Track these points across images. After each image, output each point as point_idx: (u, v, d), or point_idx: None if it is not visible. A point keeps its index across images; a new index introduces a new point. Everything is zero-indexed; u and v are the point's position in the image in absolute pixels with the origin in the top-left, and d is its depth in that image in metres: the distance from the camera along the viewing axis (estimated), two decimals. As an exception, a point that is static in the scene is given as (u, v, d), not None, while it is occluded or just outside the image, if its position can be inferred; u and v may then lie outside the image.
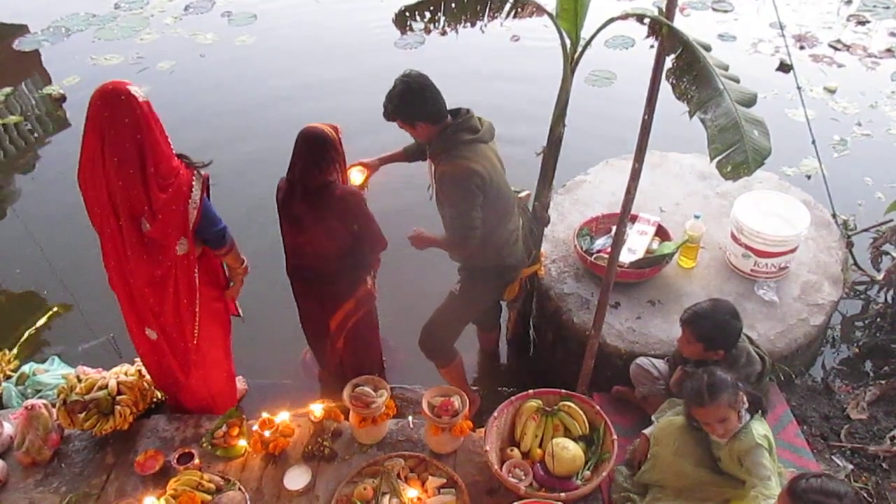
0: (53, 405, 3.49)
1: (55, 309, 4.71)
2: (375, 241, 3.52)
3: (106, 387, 3.50)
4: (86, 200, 3.02)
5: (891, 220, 4.45)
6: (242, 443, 3.38)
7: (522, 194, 3.64)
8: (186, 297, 3.25)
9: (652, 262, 3.89)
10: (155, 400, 3.74)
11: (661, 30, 2.78)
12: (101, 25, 7.62)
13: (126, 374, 3.67)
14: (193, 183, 3.04)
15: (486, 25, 3.19)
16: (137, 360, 3.67)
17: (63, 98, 6.65)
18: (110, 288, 3.24)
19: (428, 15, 3.12)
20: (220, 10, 7.79)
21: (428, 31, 3.20)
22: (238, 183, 5.29)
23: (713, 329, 3.08)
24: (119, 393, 3.52)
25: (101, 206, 2.97)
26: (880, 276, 4.47)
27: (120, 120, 2.81)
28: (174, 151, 3.03)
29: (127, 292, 3.20)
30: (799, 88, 4.49)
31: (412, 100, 3.16)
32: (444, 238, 3.42)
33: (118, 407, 3.46)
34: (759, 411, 2.92)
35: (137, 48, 7.25)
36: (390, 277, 4.08)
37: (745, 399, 2.84)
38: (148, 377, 3.65)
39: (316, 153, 3.28)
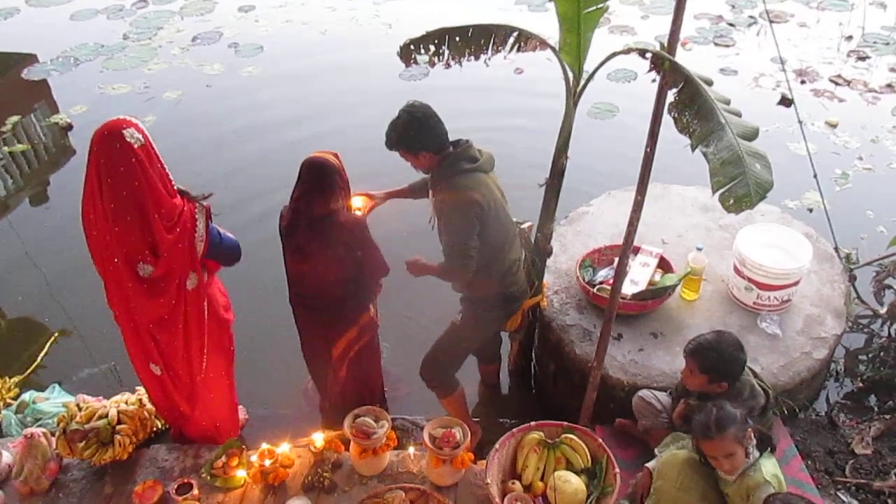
0: (53, 434, 3.47)
1: (56, 335, 4.71)
2: (377, 268, 3.53)
3: (106, 416, 3.49)
4: (88, 239, 3.03)
5: (894, 254, 4.46)
6: (242, 473, 3.35)
7: (525, 225, 3.65)
8: (196, 331, 3.25)
9: (654, 294, 3.89)
10: (155, 429, 3.72)
11: (663, 64, 2.81)
12: (110, 55, 7.71)
13: (127, 402, 3.66)
14: (197, 216, 3.06)
15: (489, 59, 3.23)
16: (139, 388, 3.66)
17: (70, 127, 6.72)
18: (115, 322, 3.25)
19: (432, 48, 3.17)
20: (227, 42, 7.88)
21: (432, 63, 3.24)
22: (243, 211, 5.32)
23: (717, 361, 3.07)
24: (119, 422, 3.51)
25: (103, 247, 2.98)
26: (884, 310, 4.46)
27: (116, 168, 2.82)
28: (175, 186, 3.04)
29: (132, 329, 3.19)
30: (800, 122, 4.53)
31: (416, 130, 3.19)
32: (441, 266, 3.43)
33: (118, 436, 3.45)
34: (769, 448, 2.89)
35: (145, 78, 7.34)
36: (392, 306, 4.08)
37: (753, 435, 2.81)
38: (149, 406, 3.63)
39: (321, 182, 3.30)
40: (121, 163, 2.81)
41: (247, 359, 3.83)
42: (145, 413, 3.63)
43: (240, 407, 3.93)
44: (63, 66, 7.59)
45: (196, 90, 7.15)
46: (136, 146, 2.83)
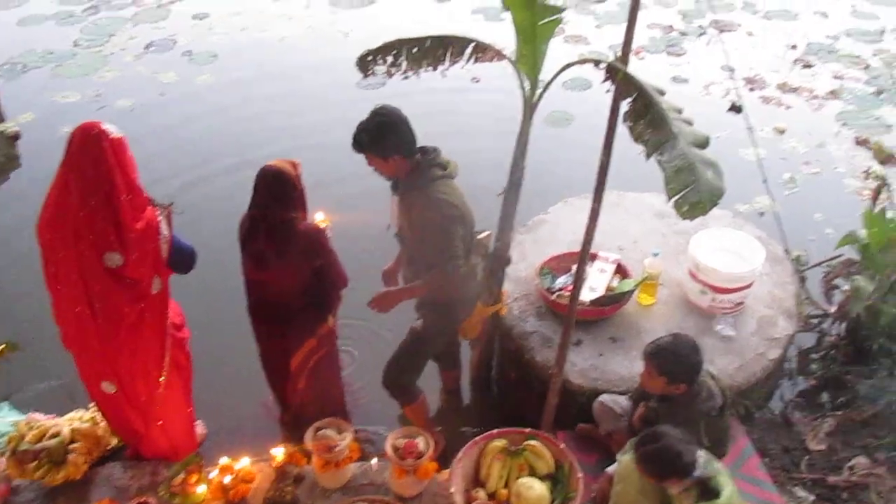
0: (2, 454, 3.37)
1: (2, 348, 4.55)
2: (337, 278, 3.52)
3: (58, 434, 3.41)
4: (45, 250, 2.97)
5: (841, 255, 4.60)
6: (202, 490, 3.30)
7: (483, 235, 3.67)
8: (157, 338, 3.20)
9: (612, 300, 3.94)
10: (110, 447, 3.64)
11: (617, 75, 2.86)
12: (59, 63, 7.53)
13: (80, 420, 3.57)
14: (160, 219, 3.06)
15: (447, 69, 3.25)
16: (92, 405, 3.57)
17: (17, 136, 6.52)
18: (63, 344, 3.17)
19: (390, 59, 3.18)
20: (181, 49, 7.76)
21: (390, 74, 3.25)
22: (199, 221, 5.22)
23: (675, 363, 3.12)
24: (72, 441, 3.42)
25: (63, 246, 2.92)
26: (833, 310, 4.59)
27: (86, 152, 2.85)
28: None
29: (84, 344, 3.12)
30: (750, 129, 4.65)
31: (388, 133, 3.19)
32: (422, 282, 3.43)
33: (71, 455, 3.36)
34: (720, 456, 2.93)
35: (96, 86, 7.18)
36: (353, 315, 4.07)
37: (694, 486, 2.80)
38: (103, 423, 3.56)
39: (276, 190, 3.29)
40: (92, 147, 2.86)
41: (204, 372, 3.76)
42: (99, 430, 3.55)
43: (198, 422, 3.87)
44: (10, 73, 7.38)
45: (149, 98, 7.02)
46: (110, 135, 2.90)
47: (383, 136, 3.20)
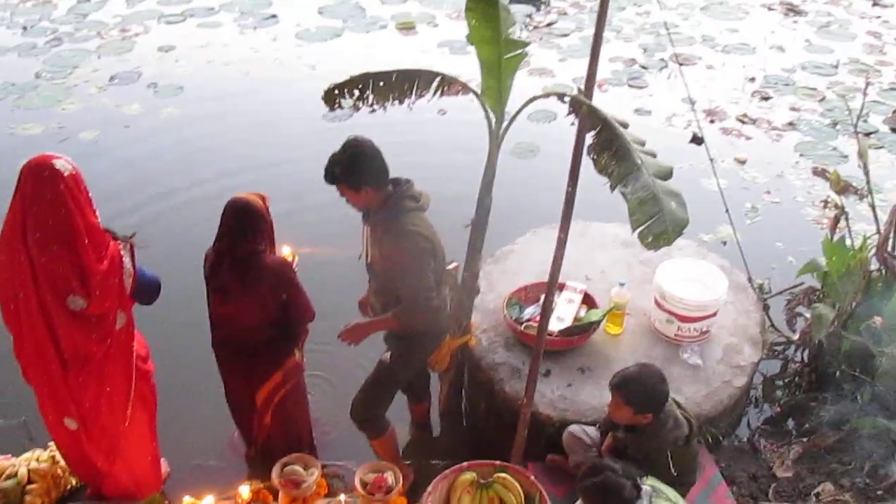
0: (-44, 497, 3.27)
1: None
2: (303, 312, 3.49)
3: (15, 475, 3.31)
4: (2, 289, 2.90)
5: (802, 283, 4.67)
6: (165, 530, 3.22)
7: (450, 266, 3.68)
8: (123, 374, 3.13)
9: (580, 330, 3.97)
10: (70, 487, 3.53)
11: (581, 108, 2.91)
12: (21, 94, 7.43)
13: (38, 459, 3.48)
14: (122, 253, 3.01)
15: (413, 103, 3.28)
16: (52, 443, 3.48)
17: (-24, 169, 6.43)
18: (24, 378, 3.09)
19: (357, 93, 3.20)
20: (146, 82, 7.72)
21: (356, 108, 3.27)
22: (163, 254, 5.16)
23: (641, 393, 3.14)
24: (30, 481, 3.32)
25: (22, 287, 2.85)
26: (796, 337, 4.66)
27: (42, 195, 2.75)
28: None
29: (46, 381, 3.04)
30: (711, 160, 4.73)
31: (361, 164, 3.19)
32: (393, 314, 3.41)
33: (28, 497, 3.27)
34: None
35: (59, 118, 7.09)
36: (320, 349, 4.03)
37: (642, 489, 2.82)
38: (63, 462, 3.46)
39: (244, 223, 3.27)
40: (48, 190, 2.75)
41: (168, 407, 3.69)
42: (59, 470, 3.46)
43: (161, 460, 3.78)
44: (-31, 105, 7.28)
45: (113, 131, 6.95)
46: (64, 174, 2.78)
47: (356, 168, 3.20)
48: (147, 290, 3.19)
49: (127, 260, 3.02)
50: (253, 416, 3.68)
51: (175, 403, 3.71)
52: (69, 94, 7.48)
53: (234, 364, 3.58)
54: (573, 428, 3.58)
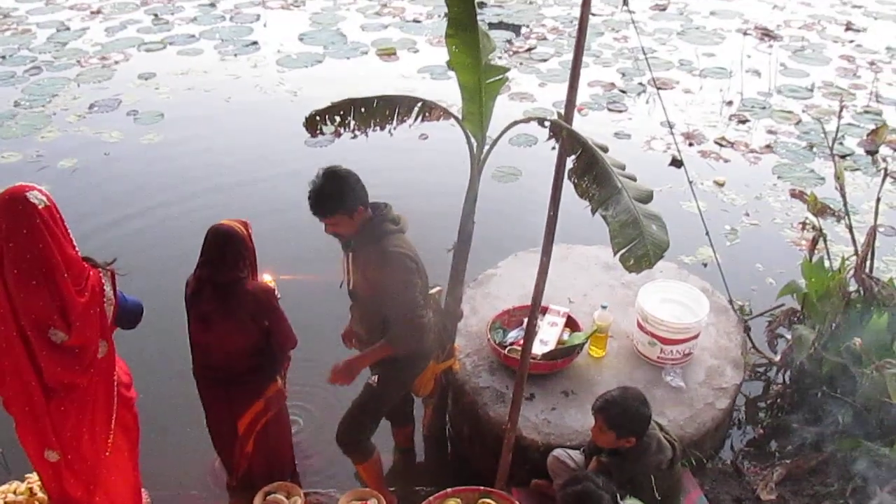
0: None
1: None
2: (285, 339, 3.47)
3: (-10, 509, 3.24)
4: None
5: (783, 304, 4.71)
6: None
7: (434, 290, 3.68)
8: (104, 403, 3.09)
9: (564, 353, 3.96)
10: (47, 520, 3.46)
11: (562, 132, 2.94)
12: (-1, 123, 7.41)
13: (16, 492, 3.41)
14: (103, 281, 2.96)
15: (395, 129, 3.29)
16: (29, 475, 3.41)
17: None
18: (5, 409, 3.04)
19: (338, 119, 3.21)
20: (126, 109, 7.70)
21: (338, 134, 3.28)
22: (144, 282, 5.11)
23: (623, 416, 3.14)
24: (6, 515, 3.25)
25: (2, 321, 2.80)
26: (777, 358, 4.68)
27: (18, 230, 2.70)
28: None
29: (28, 412, 2.99)
30: (690, 182, 4.78)
31: (344, 191, 3.18)
32: (385, 341, 3.39)
33: (4, 531, 3.19)
34: None
35: (38, 146, 7.05)
36: (303, 375, 4.00)
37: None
38: (41, 495, 3.39)
39: (226, 250, 3.26)
40: (24, 224, 2.69)
41: (150, 436, 3.64)
42: (36, 503, 3.38)
43: (143, 490, 3.71)
44: (-54, 133, 7.23)
45: (93, 158, 6.91)
46: (39, 206, 2.73)
47: (340, 195, 3.19)
48: (129, 316, 3.16)
49: (108, 288, 2.98)
50: (235, 444, 3.63)
51: (156, 432, 3.66)
52: (48, 122, 7.46)
53: (216, 391, 3.54)
54: (558, 452, 3.56)
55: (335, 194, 3.18)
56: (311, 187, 3.21)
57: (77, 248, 2.92)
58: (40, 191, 2.79)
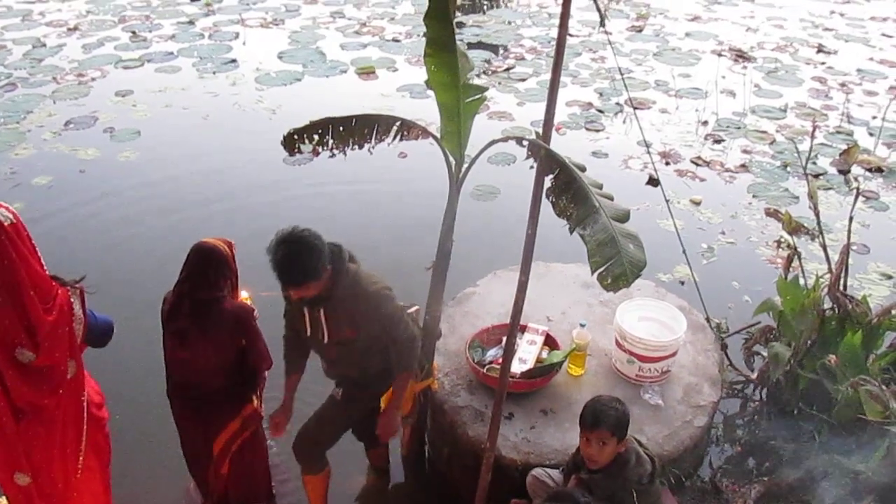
0: None
1: None
2: (261, 359, 3.44)
3: (-43, 535, 3.15)
4: None
5: (759, 322, 4.75)
6: (115, 589, 3.08)
7: (412, 310, 3.66)
8: (74, 424, 3.03)
9: (543, 372, 3.96)
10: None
11: (540, 152, 2.96)
12: (-28, 140, 7.31)
13: (-18, 517, 3.31)
14: (72, 300, 2.92)
15: (373, 147, 3.29)
16: (2, 499, 3.33)
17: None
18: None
19: (316, 138, 3.20)
20: (102, 126, 7.64)
21: (316, 153, 3.27)
22: (118, 299, 5.05)
23: (616, 417, 3.08)
24: (-27, 542, 3.17)
25: None
26: (754, 375, 4.72)
27: None
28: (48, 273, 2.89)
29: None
30: (667, 201, 4.83)
31: (319, 254, 3.13)
32: (403, 372, 3.49)
33: (-29, 558, 3.11)
34: None
35: (11, 162, 6.97)
36: (277, 397, 3.96)
37: None
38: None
39: (208, 267, 3.25)
40: None
41: (122, 458, 3.57)
42: (5, 528, 3.30)
43: (114, 514, 3.65)
44: (-82, 150, 7.12)
45: (69, 175, 6.85)
46: (5, 224, 2.68)
47: (315, 261, 3.11)
48: (99, 334, 3.11)
49: (77, 306, 2.94)
50: (209, 466, 3.57)
51: (128, 453, 3.60)
52: (22, 139, 7.38)
53: (191, 411, 3.49)
54: (537, 471, 3.54)
55: (307, 267, 3.11)
56: (274, 257, 3.10)
57: (45, 266, 2.87)
58: (6, 208, 2.75)
